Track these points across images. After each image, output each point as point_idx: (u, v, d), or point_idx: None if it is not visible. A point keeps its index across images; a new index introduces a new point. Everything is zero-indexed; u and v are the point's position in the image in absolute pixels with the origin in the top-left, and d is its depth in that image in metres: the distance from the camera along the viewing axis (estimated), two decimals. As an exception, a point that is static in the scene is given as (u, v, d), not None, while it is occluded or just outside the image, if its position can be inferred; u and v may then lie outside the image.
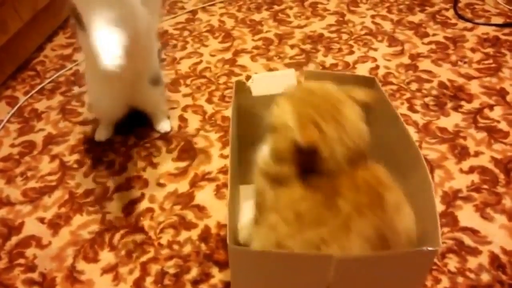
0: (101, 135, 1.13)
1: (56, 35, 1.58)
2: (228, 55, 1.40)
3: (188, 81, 1.30)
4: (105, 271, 0.84)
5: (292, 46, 1.42)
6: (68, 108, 1.25)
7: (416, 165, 0.60)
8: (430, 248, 0.49)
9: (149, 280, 0.82)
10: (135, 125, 1.15)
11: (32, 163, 1.08)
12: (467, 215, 0.89)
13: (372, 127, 0.62)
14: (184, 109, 1.20)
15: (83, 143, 1.13)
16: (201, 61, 1.38)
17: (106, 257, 0.87)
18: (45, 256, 0.88)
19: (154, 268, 0.84)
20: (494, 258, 0.81)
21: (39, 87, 1.33)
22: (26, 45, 1.45)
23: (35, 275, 0.85)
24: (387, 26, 1.48)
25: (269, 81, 0.86)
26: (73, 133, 1.16)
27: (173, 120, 1.17)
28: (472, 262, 0.81)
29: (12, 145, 1.14)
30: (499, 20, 1.47)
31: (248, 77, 1.28)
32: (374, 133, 0.62)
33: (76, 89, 1.31)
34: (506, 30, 1.41)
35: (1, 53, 1.30)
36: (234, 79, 1.28)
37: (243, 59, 1.38)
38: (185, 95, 1.25)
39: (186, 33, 1.52)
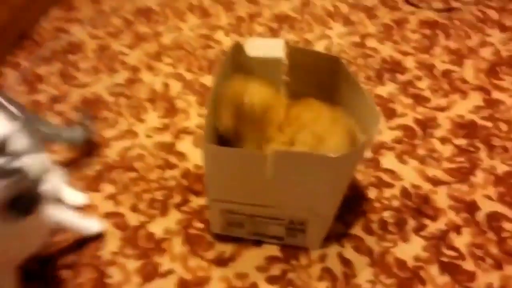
0: None
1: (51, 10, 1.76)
2: (204, 31, 1.62)
3: (170, 53, 1.52)
4: (106, 198, 1.08)
5: (260, 24, 1.65)
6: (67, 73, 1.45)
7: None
8: (332, 155, 0.75)
9: (142, 204, 1.06)
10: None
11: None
12: (388, 160, 1.15)
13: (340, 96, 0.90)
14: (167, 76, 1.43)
15: (83, 103, 1.34)
16: (180, 35, 1.59)
17: (107, 188, 1.10)
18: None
19: (146, 196, 1.08)
20: (404, 190, 1.08)
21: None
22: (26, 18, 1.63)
23: (50, 202, 1.08)
24: (344, 8, 1.72)
25: (261, 45, 1.07)
26: (72, 93, 1.37)
27: (157, 85, 1.38)
28: (387, 192, 1.08)
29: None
30: (440, 5, 1.71)
31: (222, 51, 1.51)
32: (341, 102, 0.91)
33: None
34: (444, 14, 1.67)
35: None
36: (209, 51, 1.51)
37: (218, 35, 1.60)
38: (167, 64, 1.47)
39: (167, 10, 1.72)
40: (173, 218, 1.04)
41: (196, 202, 1.07)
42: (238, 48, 1.01)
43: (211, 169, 0.86)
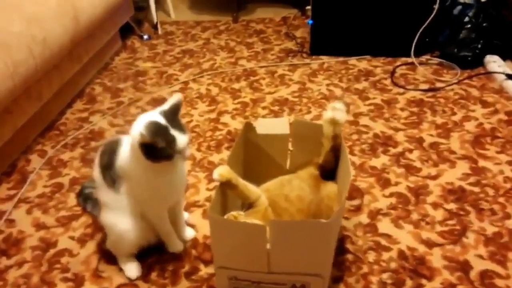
0: (134, 271, 1.14)
1: (74, 102, 1.97)
2: (213, 115, 1.79)
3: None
4: (120, 269, 1.15)
5: (263, 108, 1.82)
6: (88, 158, 1.59)
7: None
8: (323, 221, 0.84)
9: (154, 274, 1.13)
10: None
11: (62, 198, 1.41)
12: (384, 226, 1.23)
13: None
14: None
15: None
16: (192, 120, 1.76)
17: (122, 260, 1.18)
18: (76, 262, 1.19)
19: (157, 266, 1.15)
20: (400, 252, 1.14)
21: (63, 142, 1.69)
22: (52, 110, 1.83)
23: (69, 275, 1.15)
24: (338, 92, 1.89)
25: (269, 124, 1.24)
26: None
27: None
28: (385, 255, 1.14)
29: (45, 186, 1.48)
30: (425, 86, 1.89)
31: (229, 132, 1.66)
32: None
33: (93, 143, 1.67)
34: (429, 94, 1.83)
35: (33, 117, 1.66)
36: (217, 133, 1.66)
37: (225, 118, 1.76)
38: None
39: (180, 99, 1.92)
40: (183, 287, 1.10)
41: (205, 270, 1.13)
42: (249, 127, 1.16)
43: (216, 238, 0.95)
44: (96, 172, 1.07)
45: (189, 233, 1.23)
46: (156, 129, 0.93)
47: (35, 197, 1.43)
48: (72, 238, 1.27)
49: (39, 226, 1.32)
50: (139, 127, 0.93)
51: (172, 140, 0.94)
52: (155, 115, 0.97)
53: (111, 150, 1.04)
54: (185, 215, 1.27)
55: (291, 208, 1.05)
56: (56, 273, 1.16)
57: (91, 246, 1.23)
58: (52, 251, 1.23)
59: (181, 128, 0.97)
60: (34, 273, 1.17)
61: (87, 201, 1.16)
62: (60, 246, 1.25)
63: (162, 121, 0.95)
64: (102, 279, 1.14)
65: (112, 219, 1.09)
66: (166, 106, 0.99)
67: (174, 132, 0.95)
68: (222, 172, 1.00)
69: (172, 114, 0.97)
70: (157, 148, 0.92)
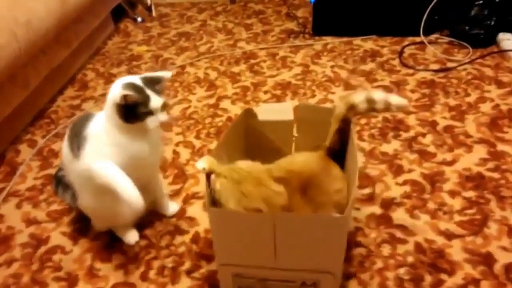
0: (132, 236, 1.14)
1: (65, 89, 1.87)
2: (212, 101, 1.69)
3: (179, 122, 1.58)
4: (117, 267, 1.07)
5: (265, 92, 1.72)
6: (80, 147, 1.50)
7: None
8: (336, 215, 0.76)
9: (152, 272, 1.05)
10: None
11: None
12: (399, 216, 1.14)
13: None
14: (177, 144, 1.47)
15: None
16: (189, 106, 1.67)
17: (117, 257, 1.10)
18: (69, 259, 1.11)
19: (156, 263, 1.07)
20: (417, 245, 1.06)
21: (54, 131, 1.60)
22: (41, 98, 1.72)
23: (61, 274, 1.07)
24: (343, 74, 1.80)
25: (272, 109, 1.15)
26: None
27: (167, 153, 1.42)
28: (401, 248, 1.06)
29: (35, 178, 1.39)
30: (436, 66, 1.79)
31: (229, 118, 1.57)
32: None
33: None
34: (441, 74, 1.73)
35: (21, 105, 1.56)
36: (217, 119, 1.57)
37: (225, 104, 1.67)
38: (177, 134, 1.52)
39: (176, 84, 1.82)
40: (183, 286, 1.02)
41: (207, 267, 1.05)
42: (249, 114, 1.07)
43: (217, 233, 0.87)
44: (65, 150, 1.04)
45: (172, 207, 1.21)
46: (131, 87, 0.94)
47: (25, 190, 1.35)
48: (64, 234, 1.18)
49: (30, 221, 1.23)
50: (116, 89, 0.95)
51: (146, 99, 0.94)
52: (133, 78, 0.98)
53: (81, 124, 1.02)
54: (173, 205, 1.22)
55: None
56: (47, 272, 1.08)
57: (85, 242, 1.15)
58: (43, 249, 1.15)
59: (157, 92, 0.97)
60: (24, 272, 1.09)
61: (59, 185, 1.14)
62: (52, 242, 1.16)
63: (139, 82, 0.96)
64: (97, 278, 1.06)
65: (92, 196, 1.04)
66: (149, 74, 0.99)
67: (149, 92, 0.95)
68: (205, 164, 0.94)
69: (152, 82, 0.97)
70: (130, 106, 0.93)
